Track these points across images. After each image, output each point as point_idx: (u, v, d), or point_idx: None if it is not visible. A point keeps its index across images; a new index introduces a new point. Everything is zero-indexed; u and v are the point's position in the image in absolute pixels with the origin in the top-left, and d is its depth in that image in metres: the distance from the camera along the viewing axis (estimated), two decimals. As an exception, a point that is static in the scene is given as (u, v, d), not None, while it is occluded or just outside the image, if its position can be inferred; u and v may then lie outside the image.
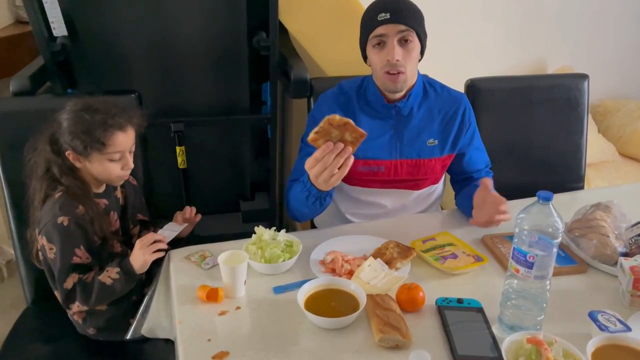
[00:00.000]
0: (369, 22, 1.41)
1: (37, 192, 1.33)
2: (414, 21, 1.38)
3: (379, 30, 1.37)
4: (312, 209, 1.40)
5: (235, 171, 2.25)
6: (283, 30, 1.97)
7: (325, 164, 1.20)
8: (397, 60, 1.37)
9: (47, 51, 1.74)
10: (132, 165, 1.34)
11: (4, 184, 1.54)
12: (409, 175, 1.53)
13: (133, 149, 1.35)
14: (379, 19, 1.36)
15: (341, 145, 1.19)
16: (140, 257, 1.28)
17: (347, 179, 1.52)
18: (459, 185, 1.63)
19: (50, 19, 1.72)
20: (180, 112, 1.98)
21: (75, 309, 1.32)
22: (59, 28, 1.74)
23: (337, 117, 1.16)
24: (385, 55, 1.38)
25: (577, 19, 2.89)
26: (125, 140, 1.30)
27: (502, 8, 2.73)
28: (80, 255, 1.29)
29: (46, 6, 1.69)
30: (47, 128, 1.31)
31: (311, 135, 1.19)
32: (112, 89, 1.70)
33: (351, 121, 1.18)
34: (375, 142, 1.49)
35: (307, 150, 1.52)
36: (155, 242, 1.30)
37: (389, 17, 1.35)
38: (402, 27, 1.36)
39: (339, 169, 1.20)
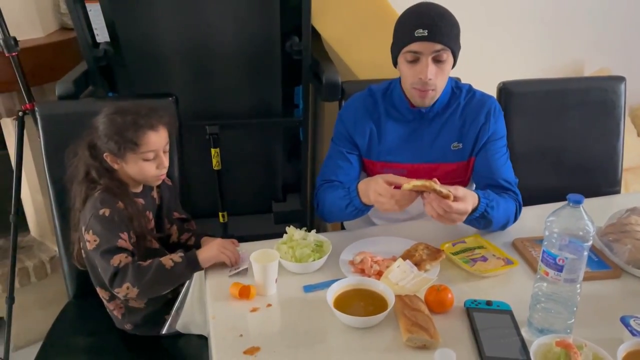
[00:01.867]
0: (404, 34, 1.36)
1: (78, 195, 1.38)
2: (450, 39, 1.34)
3: (415, 46, 1.34)
4: (347, 216, 1.44)
5: (268, 173, 2.29)
6: (315, 34, 2.00)
7: (398, 202, 1.25)
8: (429, 79, 1.36)
9: (90, 57, 1.82)
10: (166, 165, 1.38)
11: (49, 183, 1.60)
12: (431, 177, 1.52)
13: (167, 148, 1.38)
14: (415, 35, 1.32)
15: (417, 196, 1.26)
16: (214, 249, 1.30)
17: None
18: None
19: (93, 26, 1.80)
20: (215, 115, 2.03)
21: (123, 291, 1.27)
22: (101, 35, 1.81)
23: (444, 190, 1.22)
24: (418, 73, 1.36)
25: (615, 20, 2.83)
26: (157, 139, 1.33)
27: (537, 9, 2.70)
28: (125, 239, 1.31)
29: (90, 14, 1.77)
30: (86, 134, 1.37)
31: (412, 184, 1.23)
32: (151, 93, 1.76)
33: (451, 197, 1.22)
34: (399, 145, 1.50)
35: (338, 149, 1.54)
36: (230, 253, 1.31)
37: (426, 34, 1.31)
38: (439, 46, 1.33)
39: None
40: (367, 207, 1.39)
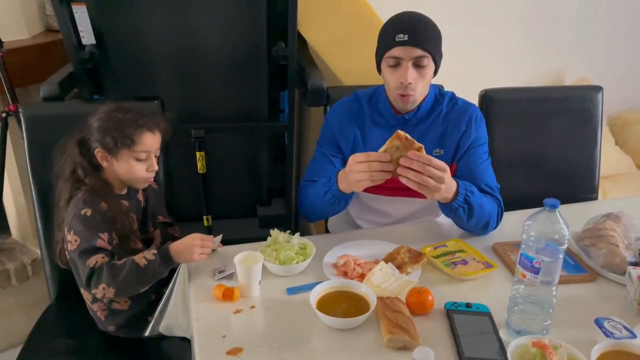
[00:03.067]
0: (386, 40, 1.41)
1: (62, 193, 1.38)
2: (431, 45, 1.38)
3: (395, 51, 1.38)
4: (326, 206, 1.43)
5: (253, 177, 2.30)
6: (301, 40, 2.03)
7: (370, 167, 1.25)
8: (409, 83, 1.39)
9: (76, 59, 1.81)
10: (156, 168, 1.40)
11: (32, 185, 1.60)
12: None
13: (158, 153, 1.41)
14: (396, 40, 1.36)
15: (389, 164, 1.25)
16: (188, 249, 1.28)
17: None
18: None
19: (79, 29, 1.80)
20: (201, 119, 2.04)
21: (100, 292, 1.26)
22: (87, 37, 1.81)
23: (416, 142, 1.24)
24: (399, 77, 1.40)
25: (596, 31, 2.90)
26: (152, 141, 1.36)
27: (520, 20, 2.76)
28: (104, 239, 1.31)
29: (76, 16, 1.77)
30: (77, 131, 1.38)
31: (385, 145, 1.26)
32: (137, 96, 1.76)
33: (423, 149, 1.25)
34: None
35: (322, 151, 1.56)
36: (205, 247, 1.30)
37: (406, 39, 1.35)
38: (419, 51, 1.37)
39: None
40: (344, 196, 1.39)
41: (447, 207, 1.37)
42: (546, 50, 2.89)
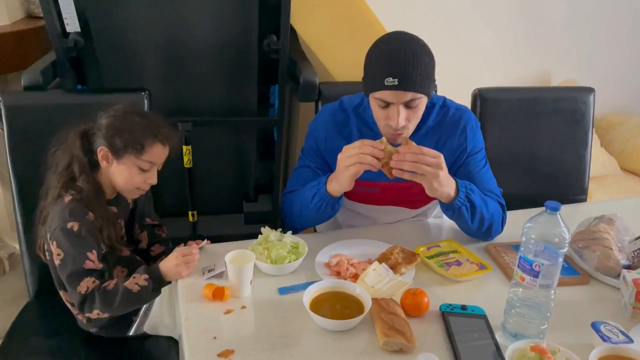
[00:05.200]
0: (374, 79, 1.28)
1: (52, 186, 1.31)
2: (423, 84, 1.27)
3: (385, 95, 1.27)
4: (313, 213, 1.38)
5: (240, 172, 2.26)
6: (293, 33, 1.99)
7: (362, 147, 1.24)
8: (401, 126, 1.30)
9: (59, 47, 1.75)
10: (154, 181, 1.34)
11: (12, 177, 1.54)
12: (405, 197, 1.49)
13: (160, 167, 1.36)
14: (385, 84, 1.24)
15: (380, 152, 1.23)
16: (174, 269, 1.25)
17: (346, 194, 1.49)
18: None
19: (64, 15, 1.73)
20: (188, 112, 1.99)
21: (94, 315, 1.26)
22: (72, 24, 1.75)
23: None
24: (389, 118, 1.30)
25: (582, 33, 2.93)
26: (161, 153, 1.32)
27: (509, 20, 2.77)
28: (93, 259, 1.26)
29: (61, 2, 1.70)
30: (82, 123, 1.31)
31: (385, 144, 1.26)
32: (123, 87, 1.70)
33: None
34: None
35: (307, 163, 1.50)
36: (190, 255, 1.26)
37: (397, 83, 1.24)
38: (410, 95, 1.26)
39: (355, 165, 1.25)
40: (332, 200, 1.34)
41: (450, 208, 1.33)
42: (533, 52, 2.90)
